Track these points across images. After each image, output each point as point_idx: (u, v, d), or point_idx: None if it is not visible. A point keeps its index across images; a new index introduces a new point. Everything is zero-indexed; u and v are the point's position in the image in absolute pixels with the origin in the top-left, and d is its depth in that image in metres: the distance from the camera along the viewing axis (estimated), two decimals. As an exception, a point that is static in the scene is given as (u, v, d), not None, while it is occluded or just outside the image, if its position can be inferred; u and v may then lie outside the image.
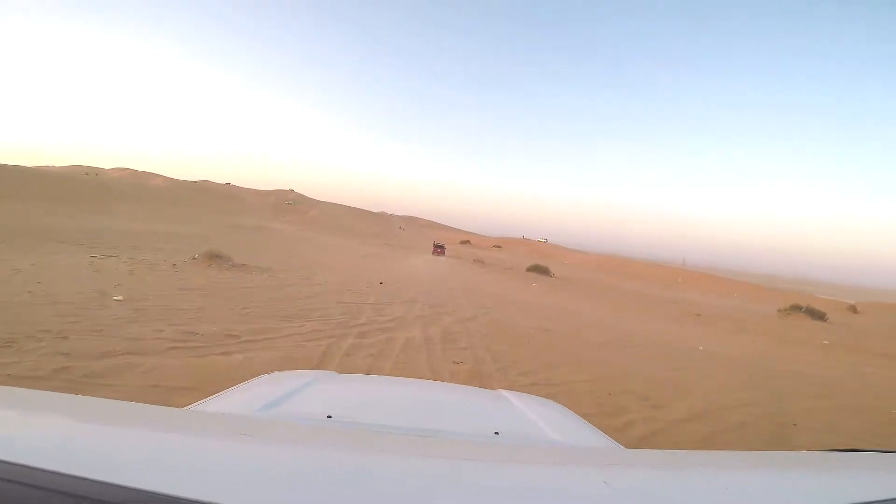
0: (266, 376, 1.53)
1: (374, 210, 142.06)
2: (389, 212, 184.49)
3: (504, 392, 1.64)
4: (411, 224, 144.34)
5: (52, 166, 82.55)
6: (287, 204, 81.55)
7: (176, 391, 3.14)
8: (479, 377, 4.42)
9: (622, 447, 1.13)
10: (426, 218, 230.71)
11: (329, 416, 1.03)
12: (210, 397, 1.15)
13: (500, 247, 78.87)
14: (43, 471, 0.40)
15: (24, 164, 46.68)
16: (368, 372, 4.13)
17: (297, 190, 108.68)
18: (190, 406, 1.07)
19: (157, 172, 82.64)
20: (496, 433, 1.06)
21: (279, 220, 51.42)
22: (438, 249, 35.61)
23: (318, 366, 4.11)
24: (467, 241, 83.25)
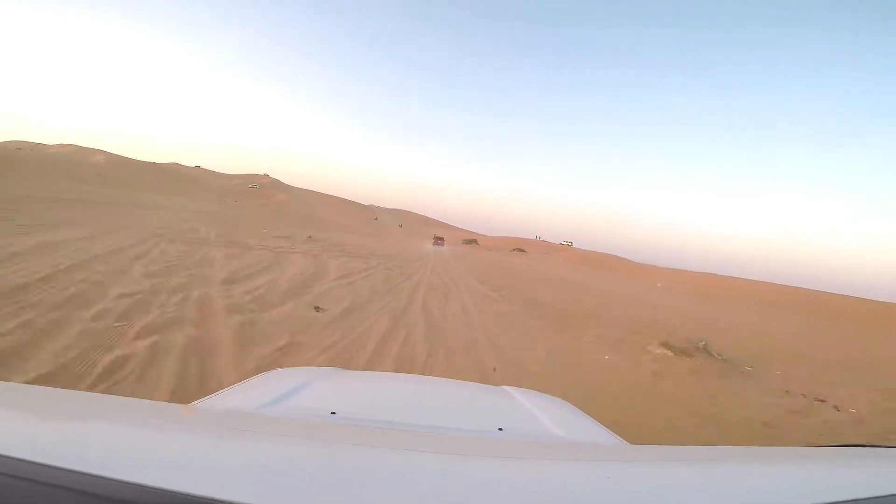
0: (271, 373, 1.51)
1: (365, 203, 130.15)
2: (379, 205, 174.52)
3: (508, 388, 1.61)
4: (403, 219, 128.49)
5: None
6: (251, 187, 73.74)
7: None
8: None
9: (627, 443, 1.11)
10: (421, 213, 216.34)
11: (333, 413, 1.01)
12: (214, 394, 1.12)
13: (523, 250, 58.95)
14: (46, 466, 0.39)
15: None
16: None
17: (280, 178, 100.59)
18: (194, 403, 1.05)
19: (108, 150, 75.49)
20: (500, 429, 1.06)
21: (215, 201, 41.24)
22: (438, 241, 37.12)
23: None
24: (473, 241, 68.62)
